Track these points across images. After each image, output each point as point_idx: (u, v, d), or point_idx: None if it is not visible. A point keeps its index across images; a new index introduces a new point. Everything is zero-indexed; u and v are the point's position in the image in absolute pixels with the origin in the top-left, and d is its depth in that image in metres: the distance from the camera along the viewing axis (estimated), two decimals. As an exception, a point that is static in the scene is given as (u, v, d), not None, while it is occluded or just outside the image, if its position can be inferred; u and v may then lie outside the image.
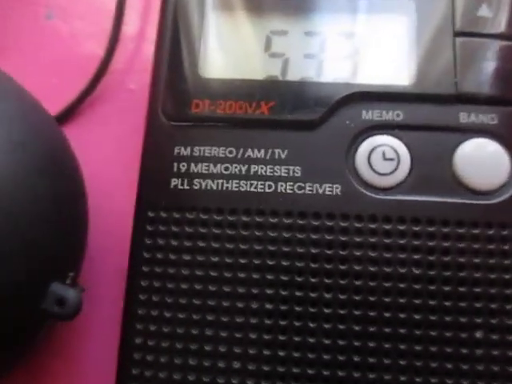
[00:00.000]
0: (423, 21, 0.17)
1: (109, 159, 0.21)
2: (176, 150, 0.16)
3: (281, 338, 0.15)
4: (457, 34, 0.17)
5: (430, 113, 0.16)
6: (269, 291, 0.15)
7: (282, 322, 0.15)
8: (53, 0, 0.24)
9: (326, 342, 0.15)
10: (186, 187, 0.16)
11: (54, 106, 0.22)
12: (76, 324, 0.18)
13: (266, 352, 0.15)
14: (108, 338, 0.17)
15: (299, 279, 0.15)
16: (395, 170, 0.16)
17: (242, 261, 0.15)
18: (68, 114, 0.22)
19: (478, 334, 0.15)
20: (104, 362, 0.17)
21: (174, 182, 0.16)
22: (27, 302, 0.15)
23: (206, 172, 0.16)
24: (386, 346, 0.15)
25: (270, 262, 0.15)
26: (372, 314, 0.15)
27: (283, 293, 0.15)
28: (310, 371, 0.15)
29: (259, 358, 0.15)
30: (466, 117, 0.16)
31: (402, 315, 0.15)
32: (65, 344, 0.18)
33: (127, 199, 0.17)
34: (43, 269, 0.15)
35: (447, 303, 0.15)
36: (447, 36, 0.17)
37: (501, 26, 0.17)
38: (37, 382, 0.18)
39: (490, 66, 0.16)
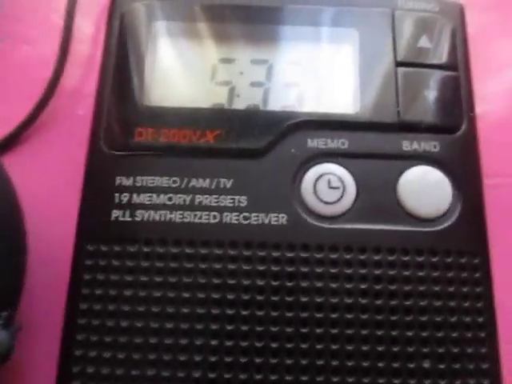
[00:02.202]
0: (366, 51, 0.17)
1: (53, 188, 0.20)
2: (118, 180, 0.16)
3: (226, 376, 0.14)
4: (398, 64, 0.17)
5: (373, 141, 0.16)
6: (213, 326, 0.15)
7: (227, 359, 0.14)
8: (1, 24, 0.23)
9: (273, 378, 0.14)
10: (128, 219, 0.15)
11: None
12: (14, 361, 0.17)
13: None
14: (47, 376, 0.16)
15: (245, 313, 0.15)
16: (341, 198, 0.16)
17: (186, 295, 0.15)
18: (11, 141, 0.21)
19: (426, 364, 0.14)
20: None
21: (115, 213, 0.16)
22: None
23: (149, 203, 0.16)
24: (334, 379, 0.14)
25: (215, 296, 0.15)
26: (319, 346, 0.14)
27: (228, 327, 0.15)
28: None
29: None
30: (408, 144, 0.16)
31: (349, 347, 0.14)
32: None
33: (70, 230, 0.16)
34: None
35: (394, 333, 0.15)
36: (389, 66, 0.17)
37: (441, 57, 0.17)
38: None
39: (431, 95, 0.17)
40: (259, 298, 0.15)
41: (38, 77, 0.22)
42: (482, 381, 0.14)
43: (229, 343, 0.14)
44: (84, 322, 0.15)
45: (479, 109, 0.18)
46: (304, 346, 0.14)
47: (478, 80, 0.18)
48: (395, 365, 0.14)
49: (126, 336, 0.14)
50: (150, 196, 0.16)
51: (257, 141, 0.16)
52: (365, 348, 0.14)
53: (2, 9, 0.23)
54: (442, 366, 0.14)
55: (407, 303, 0.15)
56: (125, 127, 0.16)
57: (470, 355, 0.15)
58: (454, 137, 0.16)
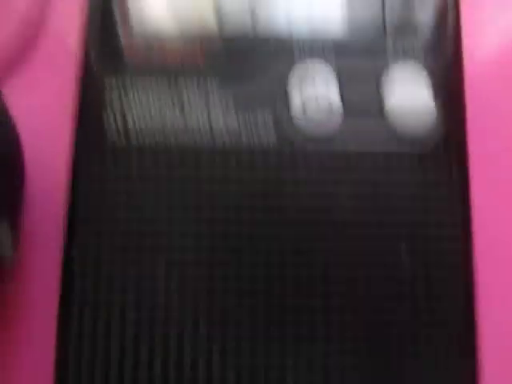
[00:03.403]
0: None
1: (47, 113, 0.20)
2: (111, 101, 0.16)
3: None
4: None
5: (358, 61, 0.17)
6: (206, 229, 0.16)
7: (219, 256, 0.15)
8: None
9: (263, 272, 0.15)
10: (123, 137, 0.16)
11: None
12: (14, 275, 0.18)
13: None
14: (48, 285, 0.17)
15: (236, 216, 0.16)
16: (328, 119, 0.16)
17: (179, 201, 0.16)
18: (2, 72, 0.22)
19: (403, 247, 0.16)
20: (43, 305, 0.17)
21: (110, 131, 0.16)
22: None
23: (142, 121, 0.16)
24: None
25: (207, 201, 0.16)
26: (304, 245, 0.16)
27: (220, 229, 0.16)
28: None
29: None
30: (391, 46, 0.17)
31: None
32: (3, 295, 0.18)
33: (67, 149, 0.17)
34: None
35: (375, 230, 0.16)
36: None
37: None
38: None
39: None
40: (248, 202, 0.16)
41: (24, 14, 0.22)
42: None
43: (219, 243, 0.15)
44: (82, 227, 0.15)
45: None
46: (289, 245, 0.15)
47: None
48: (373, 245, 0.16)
49: (122, 238, 0.15)
50: (142, 115, 0.16)
51: (245, 63, 0.17)
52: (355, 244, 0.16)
53: None
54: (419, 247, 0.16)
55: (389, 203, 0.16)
56: (116, 50, 0.17)
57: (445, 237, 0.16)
58: (438, 38, 0.17)
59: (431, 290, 0.15)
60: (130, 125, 0.16)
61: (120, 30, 0.17)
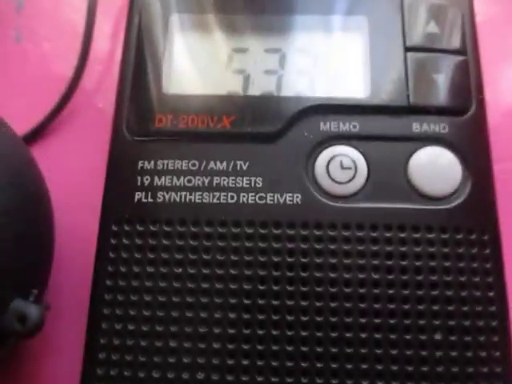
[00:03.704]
0: (376, 37, 0.18)
1: (77, 176, 0.21)
2: (140, 164, 0.17)
3: (244, 347, 0.15)
4: (408, 49, 0.18)
5: (384, 123, 0.17)
6: (232, 300, 0.15)
7: (246, 331, 0.15)
8: (21, 22, 0.24)
9: (289, 348, 0.15)
10: (150, 200, 0.16)
11: (23, 126, 0.22)
12: (41, 340, 0.18)
13: (230, 361, 0.15)
14: (72, 354, 0.17)
15: (261, 287, 0.15)
16: (353, 178, 0.16)
17: (205, 271, 0.16)
18: (37, 134, 0.23)
19: (437, 336, 0.15)
20: (67, 378, 0.17)
21: (138, 195, 0.16)
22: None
23: (170, 185, 0.16)
24: (348, 350, 0.15)
25: (233, 272, 0.15)
26: (333, 319, 0.15)
27: (246, 301, 0.15)
28: (273, 379, 0.15)
29: (223, 367, 0.15)
30: (418, 127, 0.17)
31: (362, 320, 0.15)
32: (28, 361, 0.18)
33: (95, 214, 0.17)
34: (4, 285, 0.15)
35: (406, 306, 0.15)
36: (399, 51, 0.18)
37: (449, 42, 0.18)
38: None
39: (439, 78, 0.17)
40: (275, 273, 0.15)
41: (59, 73, 0.23)
42: (493, 353, 0.15)
43: (246, 316, 0.15)
44: (110, 298, 0.16)
45: (488, 95, 0.18)
46: (319, 318, 0.15)
47: (486, 67, 0.19)
48: (407, 337, 0.15)
49: (149, 310, 0.15)
50: (170, 178, 0.16)
51: (271, 125, 0.17)
52: (377, 321, 0.15)
53: (24, 8, 0.25)
54: (452, 339, 0.15)
55: (418, 278, 0.15)
56: (146, 115, 0.17)
57: (481, 329, 0.15)
58: (463, 118, 0.17)
59: (465, 370, 0.15)
60: (159, 198, 0.16)
61: (150, 93, 0.18)
